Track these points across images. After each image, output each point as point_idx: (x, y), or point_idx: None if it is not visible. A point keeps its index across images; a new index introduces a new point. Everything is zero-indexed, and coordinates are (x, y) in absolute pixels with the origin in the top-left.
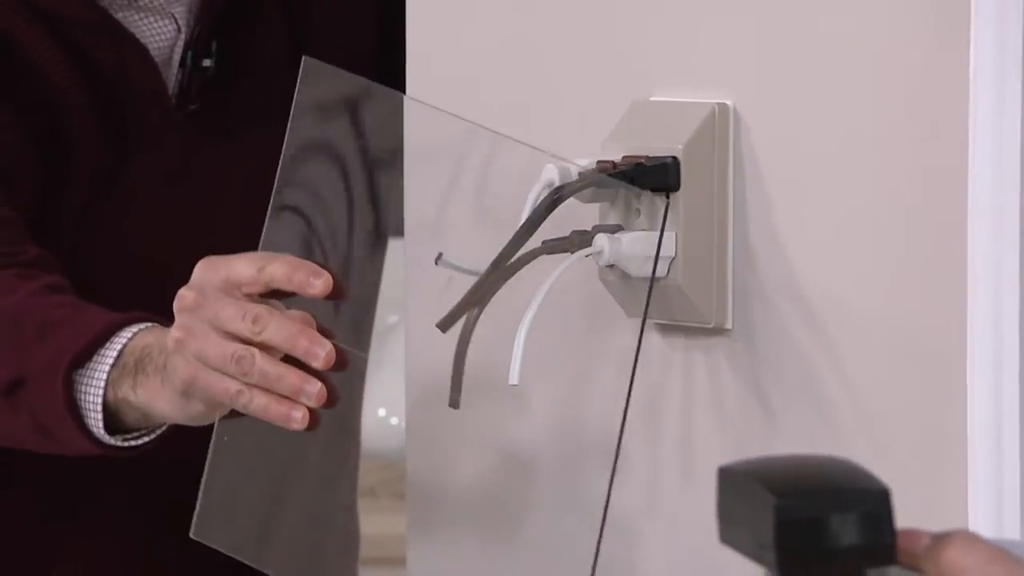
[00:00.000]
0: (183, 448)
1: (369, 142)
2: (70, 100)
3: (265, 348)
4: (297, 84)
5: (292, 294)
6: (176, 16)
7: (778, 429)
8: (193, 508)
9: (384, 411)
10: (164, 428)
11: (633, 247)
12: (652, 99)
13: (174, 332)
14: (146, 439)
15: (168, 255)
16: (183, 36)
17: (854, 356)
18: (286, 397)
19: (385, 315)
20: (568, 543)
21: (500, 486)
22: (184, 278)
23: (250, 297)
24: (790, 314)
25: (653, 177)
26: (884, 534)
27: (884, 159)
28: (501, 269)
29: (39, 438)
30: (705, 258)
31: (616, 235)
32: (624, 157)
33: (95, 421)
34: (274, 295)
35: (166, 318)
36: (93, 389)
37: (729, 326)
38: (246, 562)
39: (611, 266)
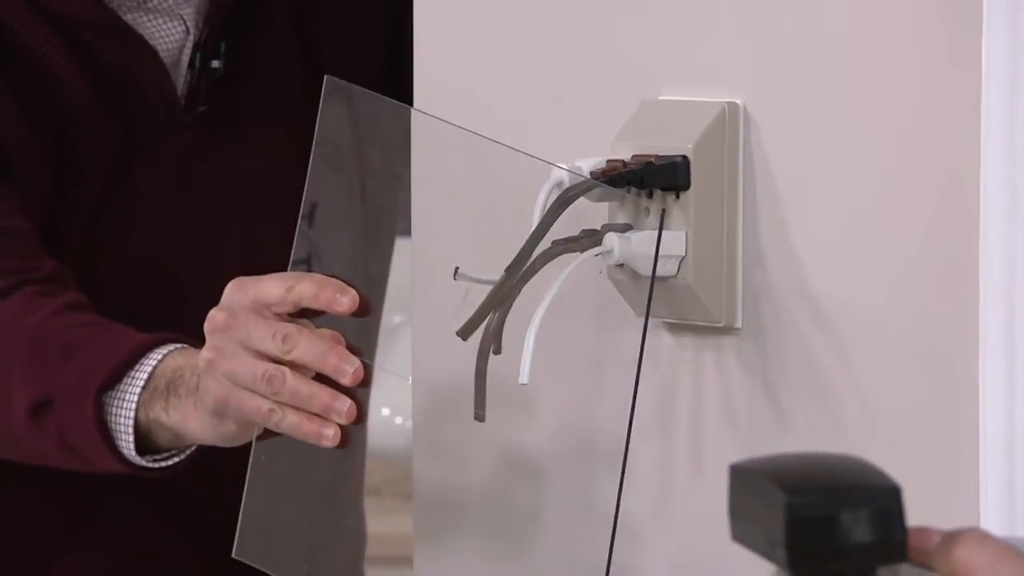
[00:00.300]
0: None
1: (383, 156)
2: (79, 102)
3: (296, 367)
4: (320, 104)
5: (320, 313)
6: (184, 17)
7: (787, 428)
8: (198, 503)
9: (388, 410)
10: (193, 448)
11: (643, 246)
12: (661, 98)
13: (205, 353)
14: (176, 459)
15: (176, 255)
16: (192, 37)
17: (864, 355)
18: (317, 415)
19: (390, 315)
20: (577, 543)
21: (508, 486)
22: (192, 278)
23: (280, 317)
24: (800, 313)
25: (663, 176)
26: (895, 532)
27: (894, 158)
28: (518, 275)
29: (67, 457)
30: (715, 257)
31: (626, 234)
32: (634, 156)
33: (126, 443)
34: (303, 313)
35: (175, 320)
36: (124, 411)
37: (739, 325)
38: None
39: (621, 265)
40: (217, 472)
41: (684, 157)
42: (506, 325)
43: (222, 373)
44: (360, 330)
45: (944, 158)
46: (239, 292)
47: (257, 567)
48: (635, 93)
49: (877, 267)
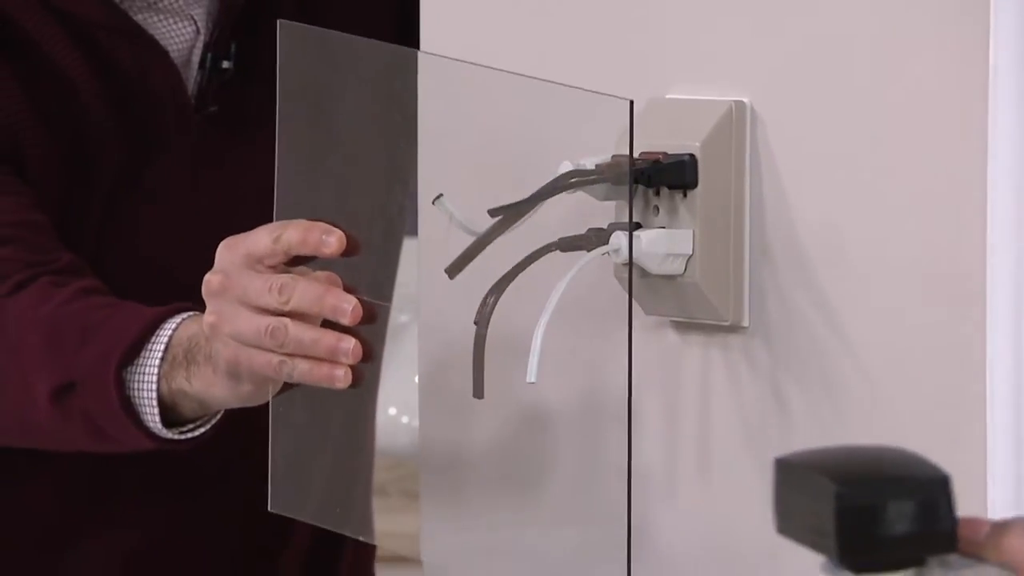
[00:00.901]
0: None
1: (367, 98)
2: (91, 102)
3: (297, 316)
4: (278, 50)
5: (312, 258)
6: (195, 18)
7: (794, 425)
8: (210, 495)
9: (395, 410)
10: (219, 416)
11: (652, 245)
12: (668, 97)
13: (207, 318)
14: (202, 429)
15: (187, 256)
16: (202, 38)
17: (871, 352)
18: (326, 360)
19: (397, 314)
20: (585, 544)
21: (512, 484)
22: (202, 279)
23: (274, 269)
24: (807, 311)
25: (671, 174)
26: (945, 521)
27: (901, 156)
28: (518, 264)
29: (93, 439)
30: (722, 256)
31: (637, 233)
32: (641, 154)
33: (151, 416)
34: (297, 262)
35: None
36: (147, 384)
37: (746, 324)
38: (328, 527)
39: (627, 264)
40: (226, 470)
41: (692, 155)
42: (509, 324)
43: (227, 335)
44: (374, 272)
45: (951, 156)
46: (230, 251)
47: (294, 517)
48: (642, 92)
49: (884, 265)
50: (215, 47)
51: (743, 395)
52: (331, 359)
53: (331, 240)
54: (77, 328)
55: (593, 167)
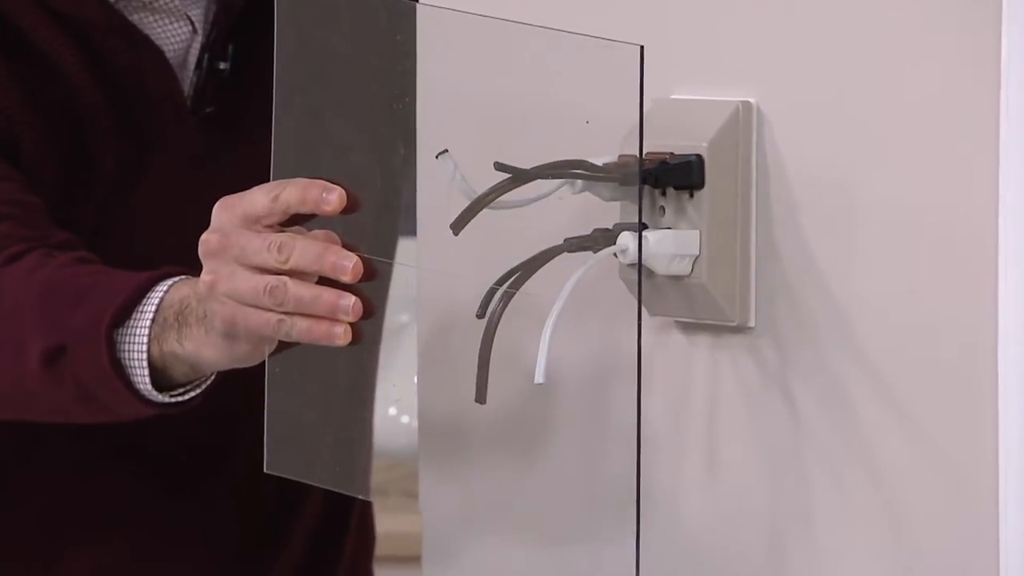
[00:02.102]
0: (192, 432)
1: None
2: (87, 102)
3: (295, 274)
4: (275, 7)
5: (311, 217)
6: (192, 18)
7: (801, 426)
8: (201, 497)
9: (395, 410)
10: (210, 381)
11: (659, 245)
12: (673, 97)
13: (204, 277)
14: (193, 394)
15: (183, 257)
16: (199, 38)
17: (878, 353)
18: (325, 318)
19: (397, 314)
20: (594, 545)
21: (516, 485)
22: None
23: (271, 229)
24: (813, 312)
25: (677, 175)
26: None
27: (908, 156)
28: (524, 264)
29: (84, 406)
30: (729, 256)
31: (645, 233)
32: (648, 154)
33: (142, 378)
34: (294, 222)
35: None
36: (137, 346)
37: (752, 324)
38: (324, 486)
39: (633, 264)
40: (219, 473)
41: (699, 156)
42: (512, 322)
43: (224, 294)
44: (375, 229)
45: (960, 155)
46: (227, 211)
47: (291, 478)
48: (647, 92)
49: (891, 265)
50: (212, 48)
51: (749, 395)
52: (331, 317)
53: (331, 197)
54: (70, 292)
55: (600, 165)
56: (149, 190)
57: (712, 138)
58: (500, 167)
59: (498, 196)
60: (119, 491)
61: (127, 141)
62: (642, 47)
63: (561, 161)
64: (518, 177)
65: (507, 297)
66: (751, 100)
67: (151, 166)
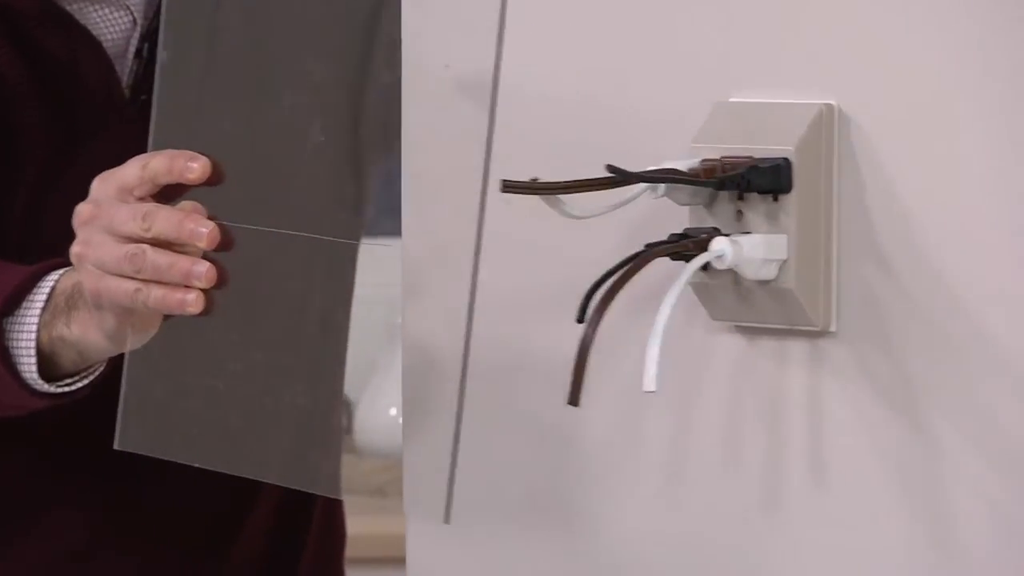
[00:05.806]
0: None
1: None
2: (18, 90)
3: (160, 244)
4: None
5: (186, 190)
6: (131, 7)
7: (878, 435)
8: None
9: (395, 410)
10: (98, 373)
11: (752, 250)
12: (732, 100)
13: (74, 248)
14: (80, 384)
15: None
16: (139, 27)
17: (964, 360)
18: (181, 286)
19: (393, 316)
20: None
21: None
22: None
23: (144, 200)
24: (898, 317)
25: (766, 178)
26: None
27: (992, 158)
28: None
29: None
30: (815, 261)
31: (736, 238)
32: (724, 159)
33: (28, 366)
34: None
35: None
36: (25, 333)
37: (834, 329)
38: (178, 460)
39: (705, 268)
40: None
41: (787, 159)
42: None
43: (91, 264)
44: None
45: None
46: (103, 183)
47: (144, 454)
48: (701, 95)
49: (978, 270)
50: (152, 36)
51: (831, 401)
52: (186, 283)
53: (195, 166)
54: None
55: (686, 170)
56: (81, 178)
57: (799, 141)
58: (611, 169)
59: (580, 191)
60: (62, 483)
61: (60, 131)
62: None
63: (655, 169)
64: (623, 179)
65: (605, 302)
66: (832, 102)
67: (83, 155)
